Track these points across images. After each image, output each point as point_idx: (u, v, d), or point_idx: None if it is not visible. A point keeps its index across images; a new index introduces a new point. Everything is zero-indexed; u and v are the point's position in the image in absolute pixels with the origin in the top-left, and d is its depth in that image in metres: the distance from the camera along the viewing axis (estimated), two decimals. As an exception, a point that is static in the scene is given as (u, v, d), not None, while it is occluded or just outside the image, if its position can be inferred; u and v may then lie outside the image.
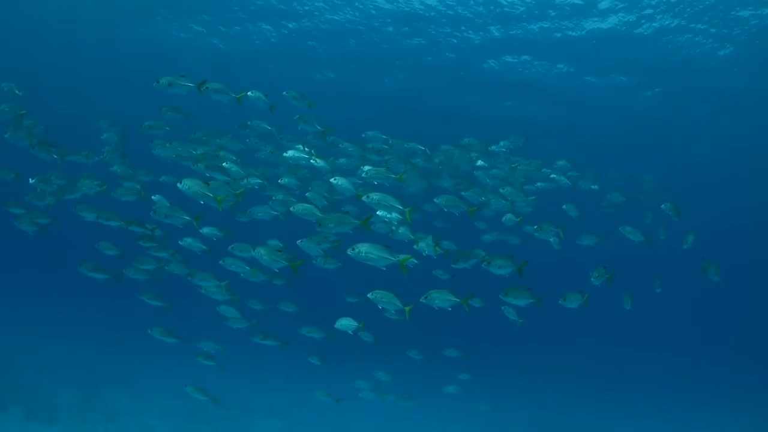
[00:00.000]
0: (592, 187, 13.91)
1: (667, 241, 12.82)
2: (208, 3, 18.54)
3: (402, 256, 7.18)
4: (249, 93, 8.93)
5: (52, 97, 23.68)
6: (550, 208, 12.77)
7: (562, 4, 16.37)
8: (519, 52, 19.18)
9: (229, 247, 9.11)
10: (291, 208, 8.47)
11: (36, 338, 18.37)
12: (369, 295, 7.67)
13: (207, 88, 8.18)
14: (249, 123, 10.91)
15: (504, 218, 10.97)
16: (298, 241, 8.23)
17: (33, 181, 10.04)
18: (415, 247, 8.44)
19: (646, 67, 19.08)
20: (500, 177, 12.36)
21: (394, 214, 8.18)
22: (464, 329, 24.69)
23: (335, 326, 8.78)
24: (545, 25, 17.49)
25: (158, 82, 8.10)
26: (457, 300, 7.69)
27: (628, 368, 26.51)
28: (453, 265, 8.77)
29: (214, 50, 20.81)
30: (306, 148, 9.91)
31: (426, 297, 7.58)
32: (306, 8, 18.16)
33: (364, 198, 7.98)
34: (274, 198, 9.62)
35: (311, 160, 9.56)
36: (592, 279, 9.10)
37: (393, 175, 9.34)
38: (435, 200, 9.56)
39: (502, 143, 12.70)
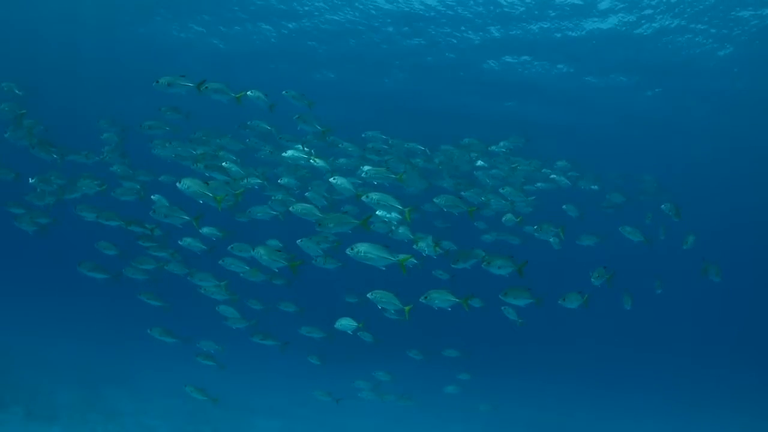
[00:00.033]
0: (592, 187, 13.91)
1: (667, 241, 12.82)
2: (208, 3, 18.55)
3: (401, 256, 7.17)
4: (248, 93, 8.93)
5: (52, 97, 23.68)
6: (550, 209, 12.77)
7: (562, 4, 16.37)
8: (519, 52, 19.18)
9: (229, 247, 9.11)
10: (290, 208, 8.46)
11: (36, 338, 18.38)
12: (369, 295, 7.67)
13: (206, 87, 8.18)
14: (249, 123, 10.92)
15: (504, 218, 10.97)
16: (298, 241, 8.23)
17: (33, 180, 10.05)
18: (414, 247, 8.43)
19: (646, 68, 19.08)
20: (500, 177, 12.36)
21: (394, 214, 8.18)
22: (464, 329, 24.69)
23: (335, 326, 8.78)
24: (545, 26, 17.49)
25: (158, 82, 8.10)
26: (457, 300, 7.68)
27: (628, 368, 26.49)
28: (453, 265, 8.77)
29: (214, 50, 20.82)
30: (305, 148, 9.91)
31: (426, 297, 7.58)
32: (306, 8, 18.16)
33: (363, 198, 7.97)
34: (273, 198, 9.61)
35: (311, 160, 9.56)
36: (592, 279, 9.10)
37: (393, 175, 9.34)
38: (435, 200, 9.55)
39: (502, 143, 12.69)
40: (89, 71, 23.31)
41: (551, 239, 10.33)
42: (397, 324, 10.33)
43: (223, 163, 9.12)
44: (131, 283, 10.60)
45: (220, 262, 9.10)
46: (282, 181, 10.18)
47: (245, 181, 9.37)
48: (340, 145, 11.12)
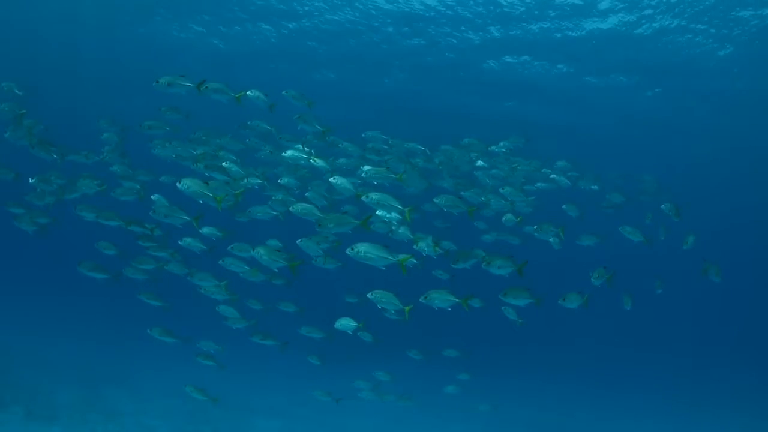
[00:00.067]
0: (592, 187, 13.91)
1: (668, 241, 12.81)
2: (208, 3, 18.55)
3: (401, 256, 7.17)
4: (248, 93, 8.92)
5: (52, 97, 23.68)
6: (550, 209, 12.77)
7: (561, 4, 16.37)
8: (519, 52, 19.17)
9: (229, 247, 9.11)
10: (290, 208, 8.46)
11: (36, 338, 18.38)
12: (368, 295, 7.67)
13: (206, 87, 8.18)
14: (249, 123, 10.92)
15: (504, 218, 10.97)
16: (298, 241, 8.23)
17: (33, 180, 10.05)
18: (414, 247, 8.43)
19: (646, 68, 19.08)
20: (500, 177, 12.36)
21: (394, 214, 8.17)
22: (464, 329, 24.68)
23: (335, 326, 8.78)
24: (545, 26, 17.49)
25: (158, 82, 8.09)
26: (457, 300, 7.68)
27: (628, 368, 26.50)
28: (453, 265, 8.76)
29: (214, 50, 20.82)
30: (305, 148, 9.90)
31: (425, 297, 7.58)
32: (306, 8, 18.16)
33: (363, 198, 7.97)
34: (273, 198, 9.61)
35: (311, 160, 9.56)
36: (592, 279, 9.10)
37: (393, 175, 9.34)
38: (435, 200, 9.55)
39: (502, 143, 12.69)
40: (89, 71, 23.31)
41: (551, 239, 10.33)
42: (397, 324, 10.33)
43: (223, 163, 9.11)
44: (131, 283, 10.60)
45: (220, 262, 9.10)
46: (282, 181, 10.18)
47: (245, 181, 9.37)
48: (340, 145, 11.12)
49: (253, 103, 9.12)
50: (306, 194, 9.66)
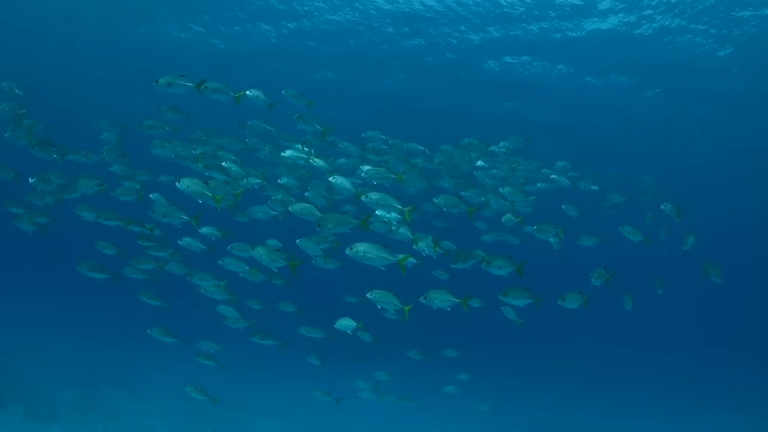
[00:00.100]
0: (592, 187, 13.90)
1: (668, 242, 12.81)
2: (208, 3, 18.55)
3: (401, 256, 7.17)
4: (248, 92, 8.92)
5: (52, 97, 23.69)
6: (550, 209, 12.76)
7: (561, 4, 16.36)
8: (519, 52, 19.17)
9: (228, 247, 9.11)
10: (290, 208, 8.45)
11: (36, 337, 18.38)
12: (368, 295, 7.66)
13: (206, 87, 8.18)
14: (248, 123, 10.91)
15: (504, 218, 10.96)
16: (297, 241, 8.23)
17: (33, 180, 10.05)
18: (414, 247, 8.43)
19: (646, 68, 19.08)
20: (500, 177, 12.35)
21: (394, 214, 8.17)
22: (464, 329, 24.66)
23: (334, 326, 8.77)
24: (545, 26, 17.48)
25: (157, 81, 8.09)
26: (457, 300, 7.68)
27: (628, 368, 26.48)
28: (452, 266, 8.76)
29: (214, 50, 20.82)
30: (305, 148, 9.90)
31: (425, 297, 7.58)
32: (306, 8, 18.16)
33: (363, 198, 7.97)
34: (273, 198, 9.61)
35: (310, 160, 9.55)
36: (592, 279, 9.10)
37: (393, 175, 9.33)
38: (435, 200, 9.54)
39: (502, 144, 12.69)
40: (89, 71, 23.31)
41: (551, 239, 10.34)
42: (396, 324, 10.32)
43: (223, 163, 9.11)
44: (131, 283, 10.60)
45: (219, 261, 9.10)
46: (282, 181, 10.17)
47: (245, 181, 9.37)
48: (339, 145, 11.11)
49: (252, 103, 9.12)
50: (305, 194, 9.65)
